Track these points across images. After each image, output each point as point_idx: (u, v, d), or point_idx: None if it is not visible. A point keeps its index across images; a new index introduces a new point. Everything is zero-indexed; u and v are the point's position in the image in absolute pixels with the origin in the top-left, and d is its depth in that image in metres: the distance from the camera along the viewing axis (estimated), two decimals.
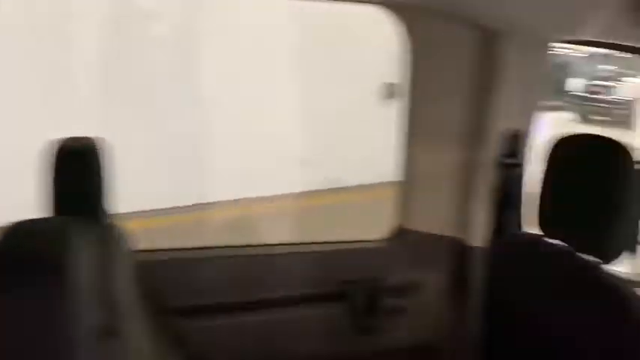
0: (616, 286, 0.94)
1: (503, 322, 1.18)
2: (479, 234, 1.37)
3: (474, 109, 1.35)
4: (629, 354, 0.90)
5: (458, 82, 1.34)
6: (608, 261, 0.99)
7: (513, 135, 1.35)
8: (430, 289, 1.44)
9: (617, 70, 10.86)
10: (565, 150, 1.07)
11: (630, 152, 0.98)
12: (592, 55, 11.41)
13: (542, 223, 1.08)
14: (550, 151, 1.08)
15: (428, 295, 1.44)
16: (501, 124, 1.35)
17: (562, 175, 1.06)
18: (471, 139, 1.37)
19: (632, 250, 1.00)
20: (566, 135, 1.08)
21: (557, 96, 12.03)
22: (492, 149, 1.36)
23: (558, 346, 1.02)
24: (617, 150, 0.99)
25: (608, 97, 10.79)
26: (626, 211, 0.98)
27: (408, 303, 1.43)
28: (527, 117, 1.38)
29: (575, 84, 11.83)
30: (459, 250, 1.41)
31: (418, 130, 1.41)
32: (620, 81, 10.89)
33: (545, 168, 1.09)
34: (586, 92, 11.39)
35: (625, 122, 9.55)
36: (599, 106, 10.90)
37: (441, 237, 1.44)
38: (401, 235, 1.47)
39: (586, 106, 11.27)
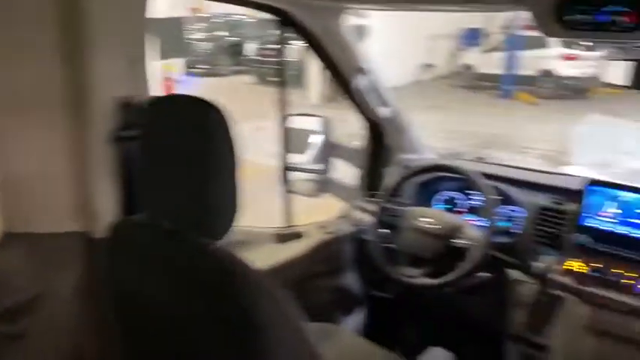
0: (227, 265, 0.85)
1: (134, 317, 1.03)
2: (104, 222, 1.16)
3: (69, 74, 1.10)
4: (245, 324, 0.83)
5: (42, 41, 1.07)
6: (218, 236, 0.90)
7: (125, 104, 1.17)
8: (57, 299, 1.19)
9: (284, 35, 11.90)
10: (159, 114, 0.92)
11: (223, 113, 0.89)
12: (260, 21, 12.24)
13: (143, 204, 0.93)
14: (144, 116, 0.92)
15: (56, 308, 1.19)
16: (109, 91, 1.15)
17: (158, 145, 0.92)
18: (75, 112, 1.13)
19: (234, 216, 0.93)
20: (157, 96, 0.93)
21: (236, 60, 12.63)
22: (104, 122, 1.15)
23: (184, 333, 0.91)
24: (211, 111, 0.89)
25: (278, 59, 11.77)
26: (229, 177, 0.90)
27: (29, 324, 1.15)
28: (139, 82, 1.21)
29: (250, 48, 12.56)
30: (84, 245, 1.19)
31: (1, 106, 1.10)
32: (289, 44, 12.01)
33: (141, 138, 0.93)
34: (259, 56, 12.19)
35: (297, 82, 10.61)
36: (274, 68, 11.81)
37: (61, 235, 1.19)
38: (7, 243, 1.16)
39: (263, 68, 12.09)
